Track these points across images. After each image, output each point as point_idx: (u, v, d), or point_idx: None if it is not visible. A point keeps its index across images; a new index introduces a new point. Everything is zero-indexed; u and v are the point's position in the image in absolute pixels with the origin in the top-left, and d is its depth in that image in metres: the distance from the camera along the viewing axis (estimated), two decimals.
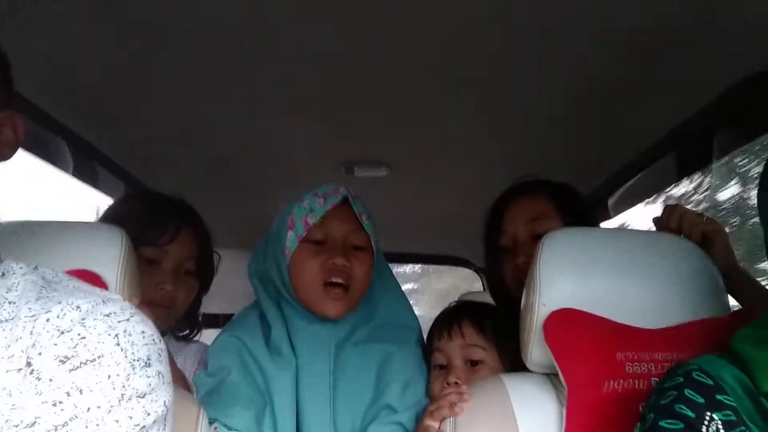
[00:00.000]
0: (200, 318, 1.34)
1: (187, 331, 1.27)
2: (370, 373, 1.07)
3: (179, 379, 0.94)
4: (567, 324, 0.82)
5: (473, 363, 1.05)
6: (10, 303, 0.52)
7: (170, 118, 1.40)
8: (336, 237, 1.10)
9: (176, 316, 1.20)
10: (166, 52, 1.10)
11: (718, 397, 0.59)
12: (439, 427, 0.87)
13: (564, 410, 0.79)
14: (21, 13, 0.92)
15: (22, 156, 1.25)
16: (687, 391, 0.60)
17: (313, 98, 1.30)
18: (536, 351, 0.86)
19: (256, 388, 1.02)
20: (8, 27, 0.92)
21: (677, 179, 1.40)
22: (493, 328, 1.08)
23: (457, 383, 1.02)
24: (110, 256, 0.84)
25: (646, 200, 1.63)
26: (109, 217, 1.16)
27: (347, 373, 1.07)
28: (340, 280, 1.07)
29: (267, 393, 1.03)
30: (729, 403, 0.58)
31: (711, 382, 0.60)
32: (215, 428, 0.94)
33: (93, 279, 0.80)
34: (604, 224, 1.75)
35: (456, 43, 1.06)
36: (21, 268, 0.57)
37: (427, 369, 1.12)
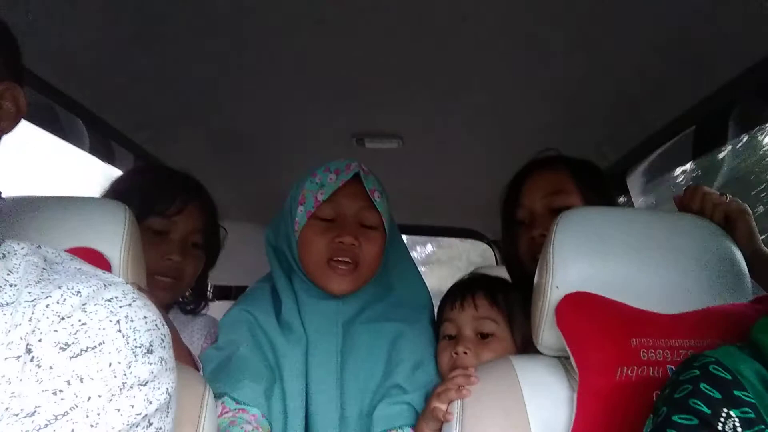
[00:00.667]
0: (211, 290, 1.35)
1: (194, 305, 1.27)
2: (380, 352, 1.06)
3: (184, 356, 0.93)
4: (580, 308, 0.80)
5: (484, 336, 1.04)
6: (11, 286, 0.51)
7: (180, 92, 1.38)
8: (345, 214, 1.08)
9: (183, 288, 1.21)
10: (175, 26, 1.08)
11: (737, 393, 0.56)
12: (447, 410, 0.86)
13: (575, 395, 0.77)
14: None
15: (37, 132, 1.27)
16: (703, 386, 0.57)
17: (324, 70, 1.27)
18: (548, 334, 0.84)
19: (266, 363, 1.02)
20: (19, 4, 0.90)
21: (696, 156, 1.35)
22: (506, 302, 1.06)
23: (465, 353, 1.01)
24: (113, 233, 0.82)
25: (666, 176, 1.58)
26: (117, 189, 1.16)
27: (356, 351, 1.06)
28: (346, 259, 1.05)
29: (277, 368, 1.03)
30: (748, 399, 0.55)
31: (729, 377, 0.57)
32: (223, 402, 0.94)
33: (96, 257, 0.79)
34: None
35: (470, 12, 1.02)
36: (22, 248, 0.56)
37: (437, 340, 1.10)
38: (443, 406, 0.87)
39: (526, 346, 1.01)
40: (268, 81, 1.33)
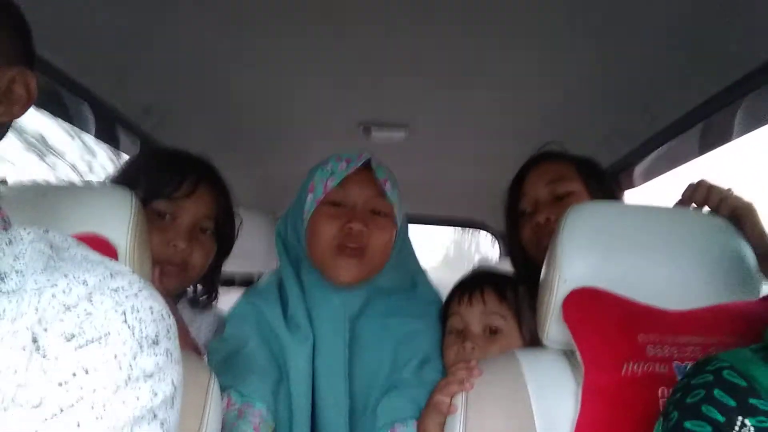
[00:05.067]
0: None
1: (204, 297, 1.21)
2: (387, 348, 1.05)
3: (191, 349, 0.92)
4: (587, 303, 0.79)
5: (492, 331, 1.03)
6: (17, 272, 0.50)
7: (188, 80, 1.37)
8: (355, 201, 1.07)
9: (191, 278, 1.11)
10: (183, 13, 1.07)
11: (752, 400, 0.54)
12: (450, 403, 0.86)
13: (580, 390, 0.77)
14: None
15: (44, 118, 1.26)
16: (716, 392, 0.55)
17: (331, 58, 1.26)
18: (554, 328, 0.84)
19: (273, 360, 1.01)
20: None
21: (703, 151, 1.34)
22: (514, 297, 1.05)
23: (473, 349, 1.01)
24: (119, 220, 0.82)
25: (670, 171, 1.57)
26: (124, 172, 1.11)
27: (364, 346, 1.05)
28: (354, 245, 1.03)
29: (284, 364, 1.02)
30: (764, 408, 0.53)
31: (744, 383, 0.55)
32: (229, 396, 0.93)
33: (102, 244, 0.78)
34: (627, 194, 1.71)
35: (478, 3, 1.01)
36: (29, 234, 0.55)
37: (443, 335, 1.10)
38: (446, 399, 0.87)
39: (533, 341, 1.00)
40: (275, 68, 1.32)
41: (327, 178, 1.07)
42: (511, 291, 1.06)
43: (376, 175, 1.09)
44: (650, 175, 1.61)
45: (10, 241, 0.53)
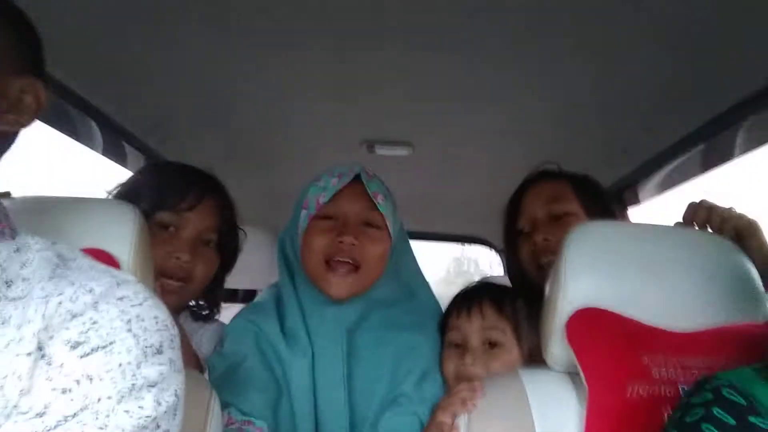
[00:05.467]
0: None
1: (206, 312, 1.21)
2: (386, 361, 1.05)
3: (192, 361, 0.92)
4: (591, 324, 0.78)
5: (491, 345, 1.02)
6: (23, 280, 0.50)
7: (190, 96, 1.38)
8: (347, 215, 1.07)
9: (193, 291, 1.10)
10: (189, 31, 1.08)
11: (752, 419, 0.53)
12: (452, 423, 0.85)
13: (584, 412, 0.76)
14: None
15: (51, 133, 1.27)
16: (716, 410, 0.55)
17: (334, 76, 1.27)
18: (558, 349, 0.83)
19: (272, 376, 1.01)
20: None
21: (707, 169, 1.34)
22: (513, 310, 1.04)
23: (473, 363, 1.00)
24: (122, 234, 0.82)
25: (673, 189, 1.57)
26: (128, 186, 1.12)
27: (362, 360, 1.05)
28: (346, 259, 1.04)
29: (284, 380, 1.01)
30: (764, 426, 0.53)
31: (744, 402, 0.55)
32: (229, 413, 0.93)
33: (105, 259, 0.78)
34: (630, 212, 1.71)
35: (479, 19, 1.01)
36: (36, 243, 0.55)
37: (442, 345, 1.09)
38: (448, 420, 0.86)
39: (532, 355, 0.99)
40: (280, 86, 1.33)
41: (319, 193, 1.09)
42: (510, 304, 1.05)
43: (367, 188, 1.09)
44: (655, 192, 1.61)
45: (18, 249, 0.53)
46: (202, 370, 1.01)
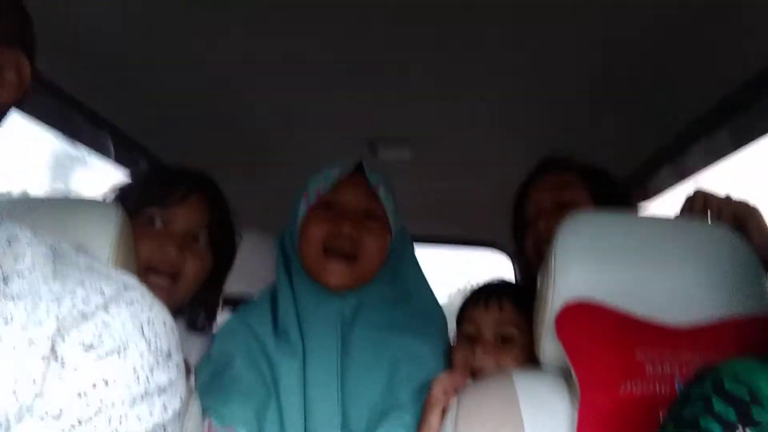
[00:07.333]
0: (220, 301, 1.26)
1: (203, 322, 1.16)
2: (383, 364, 1.00)
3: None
4: (582, 318, 0.75)
5: (504, 340, 1.00)
6: (19, 276, 0.48)
7: (192, 99, 1.38)
8: (347, 204, 1.06)
9: (184, 290, 1.05)
10: (188, 32, 1.08)
11: (754, 412, 0.50)
12: (440, 423, 0.82)
13: (576, 412, 0.72)
14: None
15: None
16: (716, 403, 0.52)
17: (335, 76, 1.26)
18: (549, 346, 0.79)
19: (261, 379, 0.97)
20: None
21: (718, 159, 1.29)
22: (530, 309, 1.01)
23: (484, 355, 0.98)
24: (103, 234, 0.81)
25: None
26: (120, 186, 1.11)
27: (357, 359, 1.01)
28: (344, 249, 1.02)
29: (272, 383, 0.98)
30: (766, 418, 0.49)
31: (745, 393, 0.51)
32: (210, 419, 0.90)
33: None
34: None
35: (481, 11, 0.99)
36: (25, 234, 0.52)
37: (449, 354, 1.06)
38: (435, 420, 0.86)
39: None
40: (280, 87, 1.32)
41: (319, 185, 1.08)
42: (529, 302, 1.01)
43: (369, 178, 1.08)
44: (664, 186, 1.56)
45: (9, 242, 0.51)
46: (188, 374, 0.99)
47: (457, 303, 1.13)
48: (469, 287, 1.14)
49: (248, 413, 0.92)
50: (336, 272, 1.02)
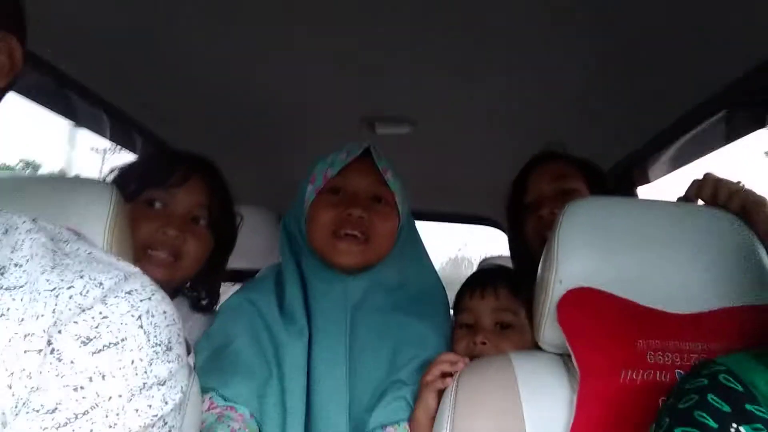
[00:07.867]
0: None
1: (206, 302, 1.18)
2: (387, 345, 1.01)
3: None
4: (583, 305, 0.74)
5: (503, 326, 1.01)
6: (16, 266, 0.47)
7: (191, 79, 1.36)
8: (355, 188, 1.05)
9: (185, 269, 1.07)
10: (185, 13, 1.06)
11: (748, 406, 0.50)
12: (438, 403, 0.83)
13: (575, 397, 0.72)
14: None
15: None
16: (710, 397, 0.52)
17: (334, 52, 1.23)
18: (549, 331, 0.79)
19: (263, 358, 0.97)
20: None
21: (720, 145, 1.28)
22: (527, 293, 1.01)
23: (484, 343, 0.99)
24: (98, 214, 0.79)
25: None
26: (121, 169, 1.11)
27: (363, 342, 1.01)
28: (355, 232, 1.01)
29: (275, 363, 0.98)
30: (761, 414, 0.50)
31: (740, 388, 0.51)
32: (211, 398, 0.90)
33: None
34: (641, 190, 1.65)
35: None
36: (24, 222, 0.51)
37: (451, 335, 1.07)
38: (433, 401, 0.87)
39: None
40: (278, 65, 1.29)
41: (326, 168, 1.07)
42: (524, 286, 1.02)
43: (377, 163, 1.07)
44: (664, 169, 1.55)
45: (6, 231, 0.50)
46: (188, 353, 0.99)
47: (449, 272, 1.14)
48: (460, 256, 1.15)
49: (248, 392, 0.92)
50: (347, 252, 1.01)
